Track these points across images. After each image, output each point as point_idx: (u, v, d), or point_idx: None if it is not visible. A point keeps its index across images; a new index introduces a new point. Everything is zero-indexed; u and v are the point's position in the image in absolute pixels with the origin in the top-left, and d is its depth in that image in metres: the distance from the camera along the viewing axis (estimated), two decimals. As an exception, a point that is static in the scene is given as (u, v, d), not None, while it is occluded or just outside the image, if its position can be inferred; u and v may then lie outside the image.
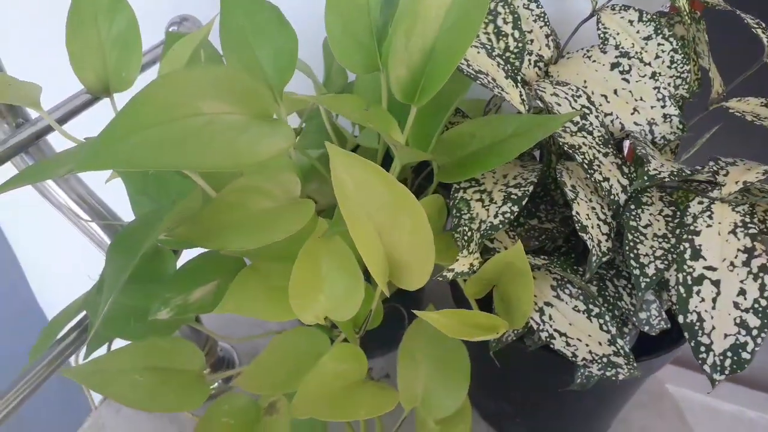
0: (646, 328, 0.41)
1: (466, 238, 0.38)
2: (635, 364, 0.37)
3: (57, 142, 0.50)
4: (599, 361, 0.37)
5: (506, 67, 0.41)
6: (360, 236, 0.35)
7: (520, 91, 0.41)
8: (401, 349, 0.45)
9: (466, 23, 0.37)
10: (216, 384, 0.60)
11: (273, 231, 0.37)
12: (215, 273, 0.43)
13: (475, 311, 0.39)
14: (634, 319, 0.41)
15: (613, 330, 0.37)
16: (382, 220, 0.36)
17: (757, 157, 0.41)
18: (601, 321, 0.37)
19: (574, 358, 0.37)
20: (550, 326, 0.38)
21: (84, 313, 0.49)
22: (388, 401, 0.40)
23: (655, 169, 0.37)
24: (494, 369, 0.51)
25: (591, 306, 0.37)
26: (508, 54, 0.45)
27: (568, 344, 0.38)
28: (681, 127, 0.44)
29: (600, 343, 0.37)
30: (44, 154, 0.51)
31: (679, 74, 0.45)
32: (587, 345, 0.37)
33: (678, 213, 0.38)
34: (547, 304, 0.38)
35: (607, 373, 0.37)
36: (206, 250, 0.46)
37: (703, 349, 0.33)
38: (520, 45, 0.45)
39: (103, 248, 0.53)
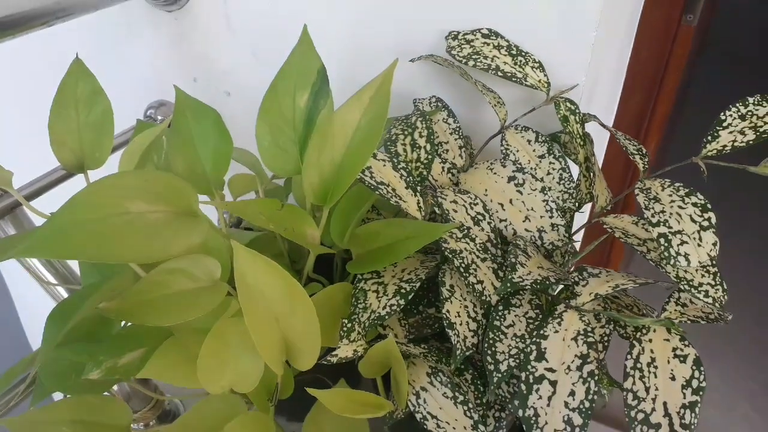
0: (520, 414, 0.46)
1: (346, 328, 0.44)
2: (495, 449, 0.42)
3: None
4: (464, 443, 0.42)
5: (408, 179, 0.48)
6: (254, 324, 0.41)
7: (418, 200, 0.47)
8: (306, 421, 0.50)
9: (368, 142, 0.44)
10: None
11: (187, 311, 0.43)
12: (144, 341, 0.49)
13: (361, 392, 0.44)
14: (510, 406, 0.46)
15: (476, 416, 0.42)
16: (281, 308, 0.42)
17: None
18: (465, 408, 0.42)
19: (442, 440, 0.43)
20: (424, 409, 0.43)
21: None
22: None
23: (519, 277, 0.43)
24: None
25: (457, 394, 0.43)
26: (418, 164, 0.51)
27: (438, 426, 0.43)
28: (567, 235, 0.50)
29: (465, 428, 0.42)
30: (20, 221, 0.58)
31: (566, 189, 0.51)
32: (454, 429, 0.42)
33: (540, 317, 0.44)
34: (423, 388, 0.44)
35: (471, 455, 0.42)
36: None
37: (536, 440, 0.38)
38: (429, 156, 0.52)
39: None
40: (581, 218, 0.54)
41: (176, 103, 0.52)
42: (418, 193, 0.48)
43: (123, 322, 0.53)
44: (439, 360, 0.44)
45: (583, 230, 0.52)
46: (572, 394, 0.38)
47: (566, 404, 0.38)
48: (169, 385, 0.72)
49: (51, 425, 0.44)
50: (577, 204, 0.52)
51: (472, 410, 0.42)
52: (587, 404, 0.38)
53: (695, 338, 0.41)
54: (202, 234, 0.41)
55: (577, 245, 0.60)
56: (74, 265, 0.60)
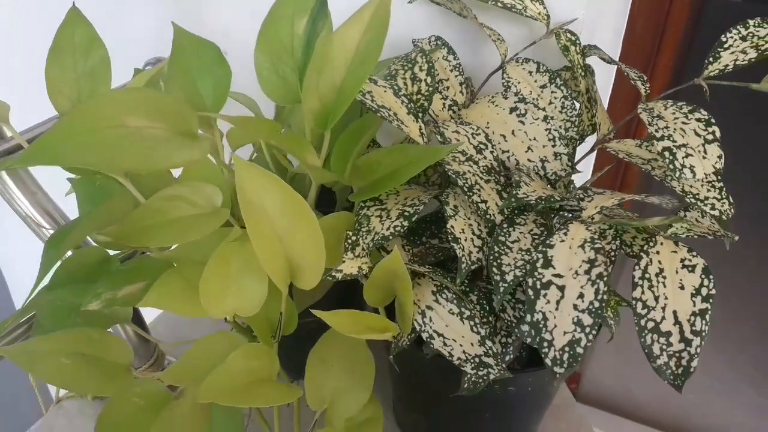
0: (528, 339, 0.45)
1: (350, 241, 0.43)
2: (504, 365, 0.41)
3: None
4: (472, 360, 0.42)
5: (409, 105, 0.47)
6: (259, 240, 0.40)
7: (420, 126, 0.47)
8: (311, 353, 0.50)
9: (368, 61, 0.44)
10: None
11: (188, 233, 0.42)
12: (145, 275, 0.48)
13: (367, 313, 0.43)
14: (516, 330, 0.45)
15: (483, 332, 0.41)
16: (282, 226, 0.41)
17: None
18: (472, 323, 0.42)
19: (450, 357, 0.42)
20: (430, 327, 0.42)
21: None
22: (290, 395, 0.44)
23: (524, 193, 0.42)
24: (406, 381, 0.55)
25: (463, 309, 0.42)
26: (419, 96, 0.51)
27: (445, 344, 0.42)
28: (570, 164, 0.50)
29: (472, 344, 0.42)
30: (16, 169, 0.57)
31: (568, 118, 0.51)
32: (461, 345, 0.42)
33: (545, 233, 0.43)
34: (428, 307, 0.43)
35: (480, 372, 0.42)
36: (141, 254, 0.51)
37: (545, 344, 0.37)
38: (430, 89, 0.51)
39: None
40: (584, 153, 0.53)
41: (174, 38, 0.51)
42: (419, 120, 0.47)
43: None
44: (444, 278, 0.43)
45: (591, 161, 0.52)
46: (581, 296, 0.37)
47: (575, 306, 0.37)
48: (171, 348, 0.71)
49: (50, 355, 0.43)
50: (579, 134, 0.51)
51: (478, 325, 0.42)
52: (597, 305, 0.37)
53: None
54: (203, 150, 0.41)
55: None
56: (69, 212, 0.59)
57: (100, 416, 0.41)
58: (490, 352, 0.41)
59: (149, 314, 0.70)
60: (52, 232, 0.58)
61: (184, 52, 0.51)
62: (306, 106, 0.45)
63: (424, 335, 0.42)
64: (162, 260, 0.48)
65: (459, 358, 0.42)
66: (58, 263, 0.48)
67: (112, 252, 0.52)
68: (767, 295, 1.90)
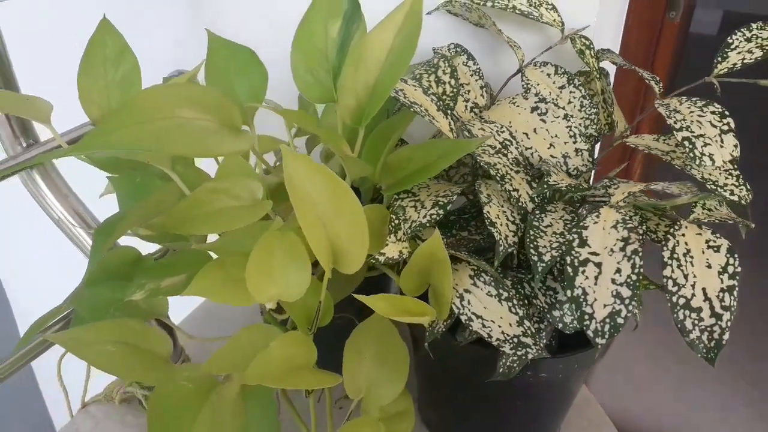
0: (560, 325, 0.47)
1: (393, 225, 0.45)
2: (541, 345, 0.43)
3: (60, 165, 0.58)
4: (510, 341, 0.43)
5: (438, 103, 0.50)
6: (307, 224, 0.42)
7: (449, 121, 0.49)
8: (348, 344, 0.51)
9: (401, 62, 0.46)
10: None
11: (232, 222, 0.44)
12: (184, 268, 0.49)
13: (405, 297, 0.45)
14: (548, 316, 0.47)
15: (521, 312, 0.43)
16: (326, 212, 0.43)
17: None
18: (510, 304, 0.43)
19: (489, 338, 0.43)
20: (469, 310, 0.44)
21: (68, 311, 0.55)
22: (329, 381, 0.45)
23: (554, 181, 0.44)
24: (436, 372, 0.56)
25: (501, 291, 0.44)
26: (444, 97, 0.53)
27: (483, 326, 0.43)
28: (591, 159, 0.52)
29: (510, 324, 0.43)
30: (48, 172, 0.59)
31: (587, 116, 0.53)
32: (500, 326, 0.43)
33: (575, 219, 0.45)
34: (466, 290, 0.45)
35: (518, 353, 0.43)
36: (178, 249, 0.52)
37: (587, 317, 0.39)
38: (455, 89, 0.54)
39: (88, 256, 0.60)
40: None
41: (209, 44, 0.54)
42: (448, 116, 0.50)
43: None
44: (482, 261, 0.45)
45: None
46: (618, 271, 0.39)
47: (613, 281, 0.39)
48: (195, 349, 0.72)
49: (96, 342, 0.44)
50: (597, 132, 0.54)
51: (516, 306, 0.43)
52: (634, 278, 0.39)
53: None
54: (249, 142, 0.43)
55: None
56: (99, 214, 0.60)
57: (150, 399, 0.42)
58: (528, 332, 0.43)
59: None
60: (83, 233, 0.59)
61: (219, 57, 0.54)
62: (342, 103, 0.48)
63: (463, 318, 0.44)
64: (200, 254, 0.50)
65: (498, 339, 0.43)
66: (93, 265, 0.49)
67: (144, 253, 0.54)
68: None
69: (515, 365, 0.46)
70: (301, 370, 0.45)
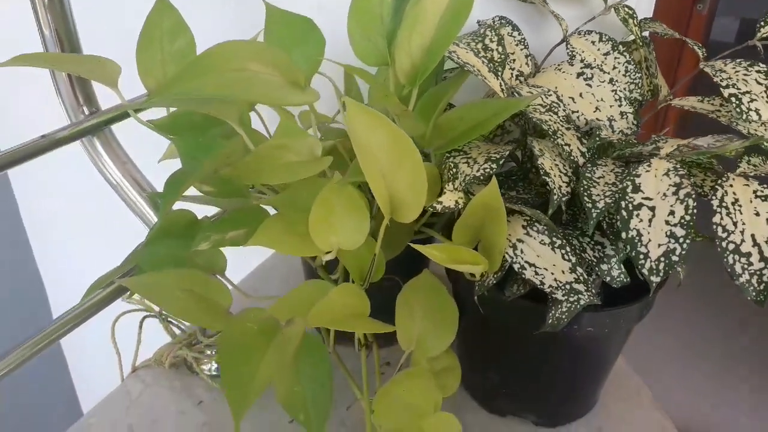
0: (608, 278, 0.48)
1: (451, 173, 0.47)
2: (593, 291, 0.45)
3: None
4: (563, 287, 0.45)
5: (489, 65, 0.52)
6: (370, 173, 0.44)
7: (500, 82, 0.51)
8: (399, 300, 0.53)
9: (455, 23, 0.48)
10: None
11: (297, 173, 0.46)
12: (245, 223, 0.51)
13: (460, 247, 0.47)
14: (597, 269, 0.49)
15: (573, 259, 0.45)
16: (386, 162, 0.45)
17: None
18: (563, 251, 0.45)
19: (542, 286, 0.45)
20: (522, 258, 0.46)
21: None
22: (384, 327, 0.47)
23: (605, 135, 0.46)
24: (479, 335, 0.58)
25: (554, 239, 0.45)
26: (492, 63, 0.55)
27: (536, 273, 0.45)
28: (636, 122, 0.54)
29: (563, 272, 0.45)
30: (107, 139, 0.61)
31: (632, 80, 0.55)
32: (552, 273, 0.45)
33: (626, 171, 0.47)
34: (519, 240, 0.46)
35: (570, 299, 0.45)
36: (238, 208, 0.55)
37: (641, 257, 0.40)
38: (502, 56, 0.56)
39: (146, 222, 0.62)
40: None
41: (267, 15, 0.56)
42: (500, 77, 0.51)
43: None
44: (535, 211, 0.46)
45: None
46: (672, 213, 0.41)
47: (667, 222, 0.41)
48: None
49: (167, 288, 0.46)
50: (642, 96, 0.56)
51: (569, 253, 0.45)
52: (687, 218, 0.40)
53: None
54: (315, 96, 0.45)
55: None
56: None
57: (219, 339, 0.44)
58: (581, 278, 0.45)
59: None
60: (141, 199, 0.62)
61: (276, 25, 0.56)
62: (397, 64, 0.50)
63: (516, 266, 0.46)
64: (260, 210, 0.52)
65: (550, 286, 0.45)
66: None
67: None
68: None
69: (564, 316, 0.47)
70: (358, 317, 0.47)
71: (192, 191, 0.52)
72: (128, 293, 0.58)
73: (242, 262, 0.76)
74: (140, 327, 0.69)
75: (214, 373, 0.68)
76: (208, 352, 0.68)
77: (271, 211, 0.53)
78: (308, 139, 0.49)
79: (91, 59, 0.52)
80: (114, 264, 0.58)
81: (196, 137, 0.53)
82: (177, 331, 0.71)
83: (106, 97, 0.62)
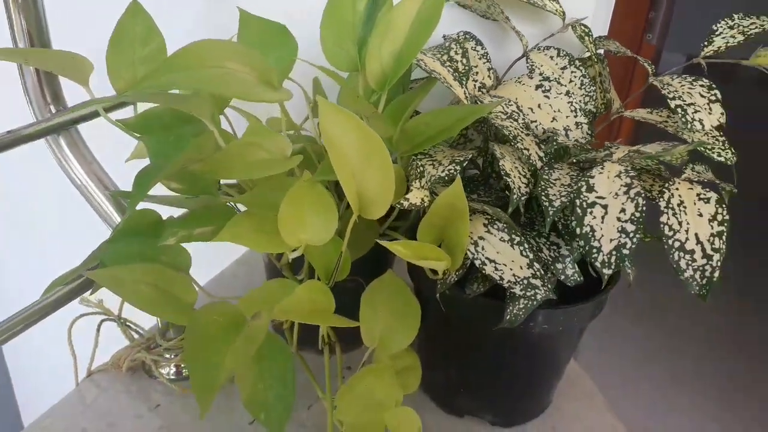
0: (562, 277, 0.51)
1: (418, 171, 0.49)
2: (549, 286, 0.47)
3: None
4: (521, 282, 0.47)
5: (454, 74, 0.54)
6: (341, 169, 0.45)
7: (465, 90, 0.54)
8: (363, 299, 0.54)
9: (424, 31, 0.51)
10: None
11: (266, 169, 0.47)
12: (213, 220, 0.52)
13: (424, 243, 0.48)
14: (552, 268, 0.51)
15: (531, 255, 0.47)
16: (356, 160, 0.46)
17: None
18: (522, 248, 0.47)
19: (501, 281, 0.47)
20: (483, 255, 0.48)
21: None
22: (348, 323, 0.48)
23: (563, 140, 0.49)
24: (438, 333, 0.59)
25: (513, 236, 0.47)
26: (457, 73, 0.58)
27: (496, 269, 0.47)
28: (590, 132, 0.57)
29: (521, 267, 0.47)
30: (73, 138, 0.61)
31: (587, 93, 0.58)
32: (511, 269, 0.47)
33: (580, 176, 0.50)
34: (480, 237, 0.48)
35: (528, 294, 0.47)
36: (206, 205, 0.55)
37: (595, 251, 0.43)
38: (466, 68, 0.58)
39: (110, 223, 0.62)
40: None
41: (240, 20, 0.58)
42: (464, 85, 0.54)
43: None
44: (495, 209, 0.49)
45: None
46: (623, 211, 0.44)
47: (618, 219, 0.43)
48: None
49: (132, 282, 0.47)
50: (596, 108, 0.59)
51: (527, 250, 0.47)
52: (638, 215, 0.43)
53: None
54: (287, 95, 0.46)
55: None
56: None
57: (186, 332, 0.44)
58: (538, 273, 0.47)
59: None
60: (105, 200, 0.62)
61: (249, 30, 0.57)
62: (368, 69, 0.52)
63: (477, 262, 0.48)
64: (227, 208, 0.53)
65: (509, 281, 0.47)
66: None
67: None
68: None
69: (521, 312, 0.49)
70: (323, 312, 0.48)
71: (159, 191, 0.52)
72: (90, 290, 0.57)
73: (206, 266, 0.76)
74: (98, 330, 0.68)
75: (173, 377, 0.67)
76: (168, 356, 0.67)
77: (240, 209, 0.54)
78: (279, 137, 0.51)
79: (63, 54, 0.53)
80: (73, 265, 0.58)
81: (167, 136, 0.54)
82: (135, 336, 0.70)
83: (74, 99, 0.62)
